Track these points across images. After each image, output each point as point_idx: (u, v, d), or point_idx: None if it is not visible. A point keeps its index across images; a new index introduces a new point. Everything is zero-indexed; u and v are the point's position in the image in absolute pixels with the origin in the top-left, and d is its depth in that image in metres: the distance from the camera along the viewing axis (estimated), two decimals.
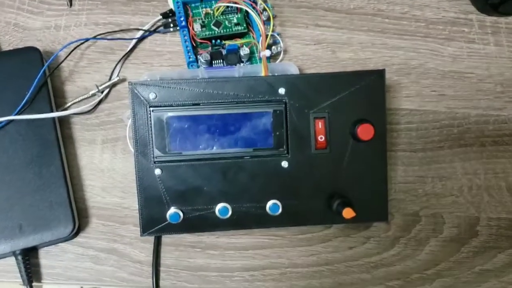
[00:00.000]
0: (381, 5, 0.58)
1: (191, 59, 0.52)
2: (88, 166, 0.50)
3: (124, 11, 0.55)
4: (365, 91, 0.45)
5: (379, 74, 0.45)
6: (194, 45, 0.53)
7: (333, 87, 0.45)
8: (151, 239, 0.48)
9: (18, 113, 0.47)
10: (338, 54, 0.55)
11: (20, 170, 0.46)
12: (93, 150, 0.50)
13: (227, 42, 0.53)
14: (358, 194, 0.45)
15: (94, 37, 0.53)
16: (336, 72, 0.46)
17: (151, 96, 0.44)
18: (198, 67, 0.52)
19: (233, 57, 0.52)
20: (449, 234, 0.50)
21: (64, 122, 0.51)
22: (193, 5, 0.55)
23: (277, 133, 0.45)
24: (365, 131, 0.44)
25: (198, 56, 0.52)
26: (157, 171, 0.44)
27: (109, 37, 0.53)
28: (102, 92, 0.51)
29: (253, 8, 0.53)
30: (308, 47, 0.55)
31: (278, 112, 0.44)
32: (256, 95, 0.44)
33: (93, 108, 0.51)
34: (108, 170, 0.50)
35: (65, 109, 0.50)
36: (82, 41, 0.52)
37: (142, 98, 0.44)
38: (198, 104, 0.44)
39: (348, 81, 0.45)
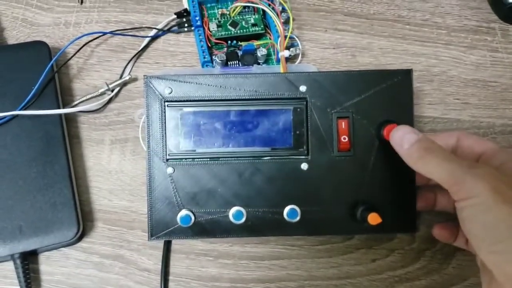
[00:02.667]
0: (402, 12, 0.56)
1: (205, 59, 0.49)
2: (95, 167, 0.47)
3: (137, 10, 0.53)
4: (392, 91, 0.42)
5: (407, 73, 0.43)
6: (209, 45, 0.51)
7: (358, 86, 0.42)
8: (160, 246, 0.45)
9: (23, 108, 0.44)
10: (358, 59, 0.53)
11: (22, 168, 0.44)
12: (101, 151, 0.47)
13: (244, 43, 0.51)
14: (384, 201, 0.42)
15: (105, 33, 0.50)
16: (361, 70, 0.44)
17: (167, 91, 0.41)
18: (213, 67, 0.50)
19: (249, 58, 0.50)
20: None
21: (71, 121, 0.48)
22: (208, 5, 0.53)
23: (297, 132, 0.42)
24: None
25: (213, 57, 0.50)
26: (169, 170, 0.41)
27: (121, 33, 0.51)
28: (112, 91, 0.49)
29: (272, 8, 0.51)
30: (327, 51, 0.53)
31: (298, 110, 0.42)
32: (276, 92, 0.42)
33: (102, 107, 0.49)
34: (116, 172, 0.47)
35: (73, 107, 0.48)
36: (96, 34, 0.50)
37: (157, 92, 0.41)
38: (215, 100, 0.42)
39: (373, 80, 0.42)
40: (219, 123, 0.42)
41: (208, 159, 0.42)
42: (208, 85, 0.42)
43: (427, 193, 0.43)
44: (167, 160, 0.41)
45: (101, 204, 0.46)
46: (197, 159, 0.41)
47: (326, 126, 0.42)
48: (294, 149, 0.42)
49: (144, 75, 0.41)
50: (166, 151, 0.41)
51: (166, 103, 0.41)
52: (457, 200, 0.34)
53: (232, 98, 0.42)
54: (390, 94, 0.43)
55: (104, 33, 0.50)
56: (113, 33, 0.51)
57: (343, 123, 0.42)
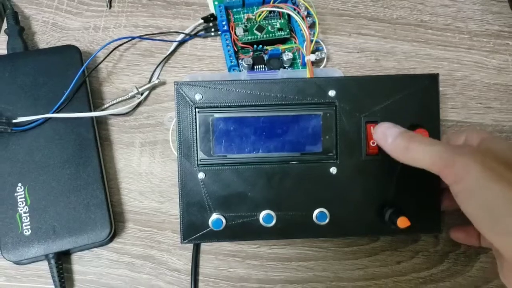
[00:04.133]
0: (424, 16, 0.57)
1: (232, 63, 0.50)
2: (126, 169, 0.48)
3: (164, 14, 0.54)
4: (419, 95, 0.43)
5: (433, 78, 0.43)
6: (236, 49, 0.52)
7: (386, 90, 0.43)
8: (190, 246, 0.46)
9: (56, 111, 0.45)
10: (382, 63, 0.54)
11: (56, 170, 0.45)
12: (131, 153, 0.48)
13: (270, 48, 0.52)
14: (410, 202, 0.43)
15: (134, 37, 0.51)
16: (389, 75, 0.45)
17: (197, 97, 0.42)
18: (240, 71, 0.50)
19: (275, 62, 0.51)
20: None
21: (102, 124, 0.49)
22: (235, 10, 0.54)
23: (327, 137, 0.43)
24: None
25: (240, 61, 0.51)
26: (201, 175, 0.42)
27: (150, 37, 0.52)
28: (141, 94, 0.49)
29: (298, 13, 0.52)
30: (351, 55, 0.54)
31: (328, 115, 0.43)
32: (305, 97, 0.43)
33: (131, 110, 0.50)
34: (146, 173, 0.48)
35: (104, 110, 0.49)
36: (125, 39, 0.51)
37: (187, 99, 0.42)
38: (245, 106, 0.42)
39: (401, 84, 0.43)
40: (249, 129, 0.42)
41: (239, 164, 0.42)
42: (238, 91, 0.42)
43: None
44: (198, 165, 0.42)
45: (132, 205, 0.47)
46: (228, 164, 0.42)
47: (354, 131, 0.43)
48: (323, 154, 0.43)
49: (174, 82, 0.42)
50: (197, 157, 0.42)
51: (197, 109, 0.42)
52: (450, 184, 0.34)
53: (262, 103, 0.42)
54: (417, 98, 0.43)
55: (133, 38, 0.51)
56: (141, 37, 0.52)
57: (371, 127, 0.43)
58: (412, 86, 0.43)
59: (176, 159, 0.42)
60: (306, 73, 0.49)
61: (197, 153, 0.42)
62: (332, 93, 0.43)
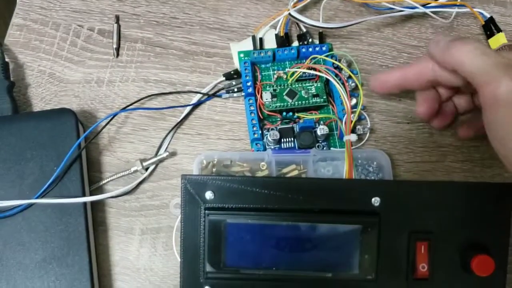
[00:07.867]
0: None
1: (256, 136, 0.42)
2: (122, 263, 0.40)
3: (180, 67, 0.46)
4: (485, 210, 0.34)
5: (507, 188, 0.34)
6: (261, 117, 0.43)
7: (444, 201, 0.34)
8: None
9: (42, 195, 0.38)
10: (437, 138, 0.44)
11: (37, 269, 0.37)
12: (129, 243, 0.41)
13: (301, 116, 0.43)
14: None
15: (143, 108, 0.44)
16: (449, 182, 0.36)
17: (208, 195, 0.34)
18: (263, 145, 0.42)
19: (307, 137, 0.42)
20: None
21: (98, 204, 0.41)
22: (263, 66, 0.45)
23: (365, 255, 0.34)
24: (483, 266, 0.33)
25: (265, 131, 0.42)
26: None
27: (158, 106, 0.44)
28: (146, 170, 0.42)
29: (336, 75, 0.43)
30: (400, 126, 0.45)
31: (369, 229, 0.34)
32: (341, 204, 0.34)
33: (133, 188, 0.42)
34: (145, 269, 0.40)
35: (100, 187, 0.41)
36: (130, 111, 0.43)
37: (196, 197, 0.34)
38: (266, 210, 0.34)
39: (463, 195, 0.34)
40: (269, 239, 0.35)
41: (254, 280, 0.35)
42: (258, 190, 0.34)
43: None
44: (205, 278, 0.34)
45: None
46: (240, 280, 0.35)
47: (401, 249, 0.35)
48: (361, 276, 0.34)
49: (182, 176, 0.34)
50: (204, 268, 0.34)
51: (207, 211, 0.34)
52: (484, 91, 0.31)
53: (287, 208, 0.34)
54: (482, 213, 0.34)
55: (142, 109, 0.44)
56: (150, 109, 0.44)
57: (422, 246, 0.34)
58: (477, 198, 0.34)
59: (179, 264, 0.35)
60: (344, 155, 0.40)
61: (204, 264, 0.35)
62: (376, 201, 0.34)
